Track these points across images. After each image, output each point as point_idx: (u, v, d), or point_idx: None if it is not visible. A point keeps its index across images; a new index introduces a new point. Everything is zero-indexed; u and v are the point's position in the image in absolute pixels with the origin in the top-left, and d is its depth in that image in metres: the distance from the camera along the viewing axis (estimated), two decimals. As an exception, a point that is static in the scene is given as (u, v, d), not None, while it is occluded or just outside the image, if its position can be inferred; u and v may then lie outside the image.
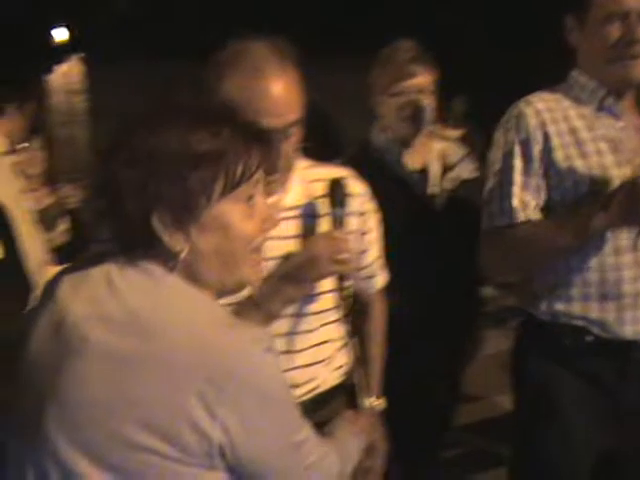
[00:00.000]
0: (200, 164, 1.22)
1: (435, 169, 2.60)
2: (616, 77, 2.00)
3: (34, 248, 3.35)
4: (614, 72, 1.99)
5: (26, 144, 4.11)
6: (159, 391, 1.15)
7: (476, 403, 4.49)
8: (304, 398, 1.86)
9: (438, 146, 2.65)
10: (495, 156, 2.06)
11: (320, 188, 1.88)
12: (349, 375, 1.98)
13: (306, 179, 1.89)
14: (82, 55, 15.20)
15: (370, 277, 2.04)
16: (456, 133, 2.75)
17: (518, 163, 2.01)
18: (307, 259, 1.79)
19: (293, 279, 1.78)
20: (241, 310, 1.74)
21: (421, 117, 2.56)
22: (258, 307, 1.77)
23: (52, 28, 14.82)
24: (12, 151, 3.85)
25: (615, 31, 1.96)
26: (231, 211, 1.27)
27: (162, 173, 1.20)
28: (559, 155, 1.99)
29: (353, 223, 1.91)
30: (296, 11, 12.44)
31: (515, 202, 2.00)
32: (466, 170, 2.67)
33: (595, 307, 2.01)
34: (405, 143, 2.60)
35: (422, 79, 2.56)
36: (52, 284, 1.33)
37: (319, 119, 1.92)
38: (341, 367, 1.96)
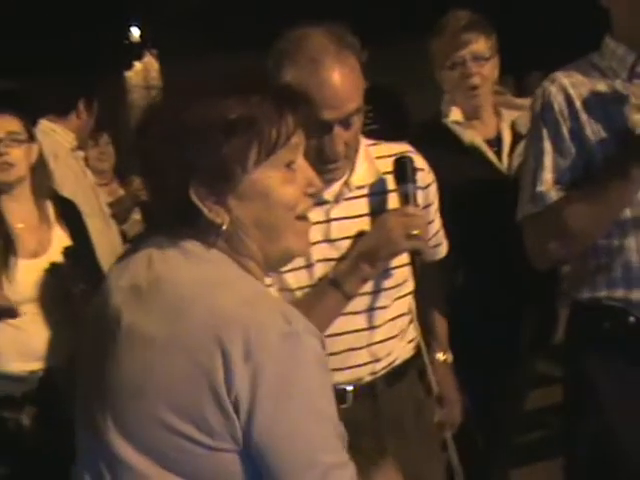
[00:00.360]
0: (232, 131, 1.21)
1: (507, 139, 2.56)
2: None
3: (105, 239, 3.44)
4: None
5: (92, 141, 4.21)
6: (183, 370, 1.14)
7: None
8: (382, 372, 1.93)
9: (509, 115, 2.60)
10: (528, 140, 2.02)
11: (385, 165, 1.92)
12: (418, 349, 2.02)
13: (370, 157, 1.93)
14: (156, 51, 15.43)
15: (436, 246, 2.09)
16: (527, 102, 2.69)
17: (547, 145, 1.93)
18: (381, 237, 1.81)
19: (368, 258, 1.81)
20: (317, 291, 1.83)
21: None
22: (334, 287, 1.81)
23: (129, 25, 15.09)
24: (81, 147, 3.96)
25: None
26: (269, 177, 1.25)
27: (195, 144, 1.20)
28: (588, 131, 1.89)
29: (419, 197, 1.92)
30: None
31: (545, 187, 1.92)
32: None
33: (636, 290, 1.93)
34: (474, 114, 2.56)
35: (476, 46, 2.51)
36: (108, 273, 1.36)
37: (388, 101, 1.93)
38: (412, 340, 2.05)
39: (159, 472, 1.18)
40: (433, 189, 2.02)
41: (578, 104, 1.90)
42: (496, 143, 2.56)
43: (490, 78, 2.56)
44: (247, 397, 1.14)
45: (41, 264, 2.87)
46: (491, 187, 2.16)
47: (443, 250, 2.14)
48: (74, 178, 3.69)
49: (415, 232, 1.78)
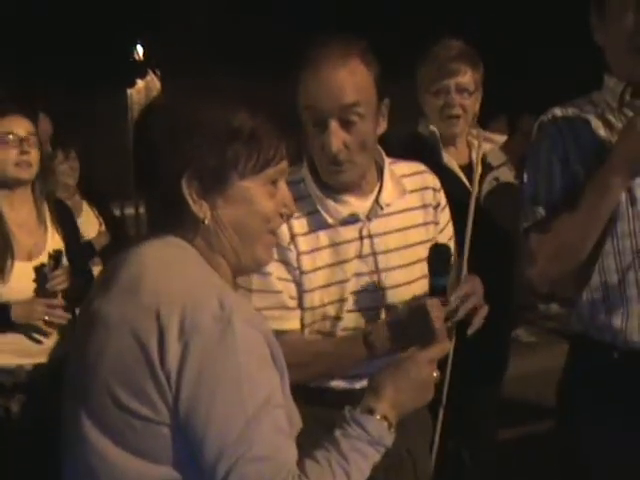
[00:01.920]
0: (236, 138, 1.32)
1: (478, 168, 2.69)
2: (636, 69, 1.94)
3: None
4: (634, 64, 1.93)
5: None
6: (128, 347, 1.24)
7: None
8: None
9: (483, 147, 2.70)
10: (526, 168, 2.12)
11: (408, 183, 2.07)
12: None
13: (395, 175, 2.07)
14: (158, 70, 15.51)
15: None
16: (501, 138, 2.82)
17: (542, 172, 2.05)
18: (418, 317, 1.88)
19: (403, 332, 1.93)
20: (350, 340, 1.99)
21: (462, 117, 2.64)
22: (366, 345, 1.96)
23: (133, 44, 15.17)
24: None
25: (631, 19, 1.89)
26: (256, 188, 1.36)
27: (200, 140, 1.30)
28: (577, 159, 2.01)
29: (429, 214, 2.09)
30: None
31: (538, 206, 2.03)
32: (505, 174, 2.74)
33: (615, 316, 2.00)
34: (450, 140, 2.69)
35: (462, 78, 2.62)
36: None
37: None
38: None
39: (117, 452, 1.26)
40: (447, 210, 2.16)
41: (569, 134, 2.02)
42: (467, 171, 2.68)
43: (470, 111, 2.68)
44: (175, 372, 1.21)
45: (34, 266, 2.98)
46: (463, 209, 2.27)
47: None
48: None
49: (450, 324, 1.89)
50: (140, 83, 16.01)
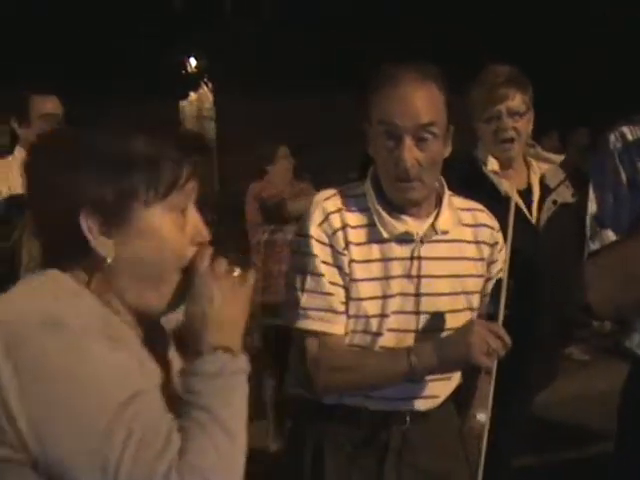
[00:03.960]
0: (134, 167, 1.23)
1: (537, 191, 2.67)
2: None
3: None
4: None
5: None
6: None
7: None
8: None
9: (539, 168, 2.74)
10: (591, 187, 2.07)
11: (464, 217, 2.11)
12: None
13: (453, 205, 2.10)
14: (211, 84, 15.70)
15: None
16: (558, 158, 2.81)
17: (608, 192, 2.00)
18: (461, 343, 1.94)
19: (443, 354, 1.97)
20: (393, 356, 2.02)
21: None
22: (408, 363, 1.97)
23: (188, 56, 15.38)
24: None
25: None
26: (162, 219, 1.25)
27: (93, 172, 1.22)
28: None
29: (483, 251, 2.11)
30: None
31: (608, 233, 1.98)
32: (564, 194, 2.72)
33: None
34: (507, 164, 2.69)
35: (512, 102, 2.63)
36: None
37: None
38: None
39: None
40: (499, 248, 2.15)
41: (635, 152, 1.97)
42: (526, 194, 2.68)
43: (524, 133, 2.68)
44: (12, 393, 1.12)
45: None
46: (523, 237, 2.24)
47: None
48: None
49: (493, 349, 1.91)
50: (192, 96, 16.21)
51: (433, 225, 2.04)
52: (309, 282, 2.00)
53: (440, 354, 1.95)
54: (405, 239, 2.02)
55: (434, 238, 2.04)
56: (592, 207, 2.03)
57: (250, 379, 1.30)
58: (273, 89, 12.72)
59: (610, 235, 1.96)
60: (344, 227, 2.01)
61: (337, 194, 2.06)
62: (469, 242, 2.10)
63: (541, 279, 2.19)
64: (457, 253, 2.07)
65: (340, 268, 2.00)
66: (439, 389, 2.13)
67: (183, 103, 16.26)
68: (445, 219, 2.05)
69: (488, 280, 2.15)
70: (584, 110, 9.65)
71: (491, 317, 1.96)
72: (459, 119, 2.08)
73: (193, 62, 15.60)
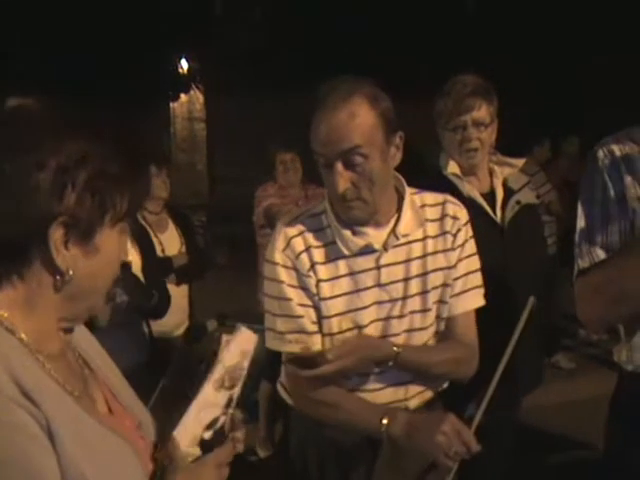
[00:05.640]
0: (111, 185, 1.23)
1: (500, 194, 2.70)
2: None
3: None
4: None
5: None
6: None
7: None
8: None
9: (501, 172, 2.76)
10: (580, 203, 2.06)
11: (430, 213, 2.11)
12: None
13: (415, 205, 2.10)
14: (202, 85, 15.69)
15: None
16: (519, 162, 2.84)
17: (596, 207, 1.99)
18: (429, 432, 1.91)
19: (411, 435, 1.95)
20: (370, 409, 2.03)
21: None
22: (384, 424, 1.98)
23: (179, 58, 15.38)
24: None
25: None
26: (116, 237, 1.27)
27: (81, 180, 1.20)
28: (632, 193, 1.95)
29: (448, 242, 2.11)
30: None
31: (594, 246, 1.98)
32: (527, 196, 2.76)
33: None
34: (470, 171, 2.72)
35: (478, 113, 2.65)
36: None
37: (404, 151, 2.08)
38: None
39: None
40: (469, 244, 2.14)
41: (623, 168, 1.96)
42: (490, 197, 2.71)
43: (487, 142, 2.70)
44: None
45: None
46: (489, 237, 2.25)
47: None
48: None
49: (456, 453, 1.88)
50: (183, 97, 16.21)
51: (393, 231, 2.05)
52: (280, 307, 2.06)
53: (409, 433, 1.95)
54: (367, 251, 2.04)
55: (397, 243, 2.05)
56: (581, 223, 2.03)
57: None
58: (265, 90, 12.75)
59: (599, 252, 1.96)
60: (307, 249, 2.03)
61: (299, 216, 2.09)
62: (436, 236, 2.10)
63: (508, 276, 2.20)
64: (421, 252, 2.08)
65: (307, 289, 2.04)
66: (430, 387, 2.17)
67: (174, 104, 16.26)
68: (406, 223, 2.06)
69: (447, 269, 2.12)
70: (575, 119, 9.70)
71: (470, 418, 1.92)
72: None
73: (185, 64, 15.60)
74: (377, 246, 2.03)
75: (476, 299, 2.17)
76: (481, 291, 2.18)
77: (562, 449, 4.63)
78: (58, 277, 1.21)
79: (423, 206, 2.11)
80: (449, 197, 2.17)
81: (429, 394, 2.18)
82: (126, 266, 2.94)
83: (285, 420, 1.72)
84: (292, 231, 2.05)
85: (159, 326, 3.86)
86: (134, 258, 3.18)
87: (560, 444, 4.69)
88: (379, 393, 2.10)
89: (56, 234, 1.18)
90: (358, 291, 2.05)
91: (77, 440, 1.18)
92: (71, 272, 1.21)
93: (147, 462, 1.34)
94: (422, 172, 2.69)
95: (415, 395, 2.14)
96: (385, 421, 1.97)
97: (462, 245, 2.12)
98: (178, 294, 4.12)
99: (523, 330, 2.01)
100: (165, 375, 3.22)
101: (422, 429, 1.92)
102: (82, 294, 1.26)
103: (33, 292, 1.22)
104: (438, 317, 2.13)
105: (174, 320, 4.06)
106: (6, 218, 1.17)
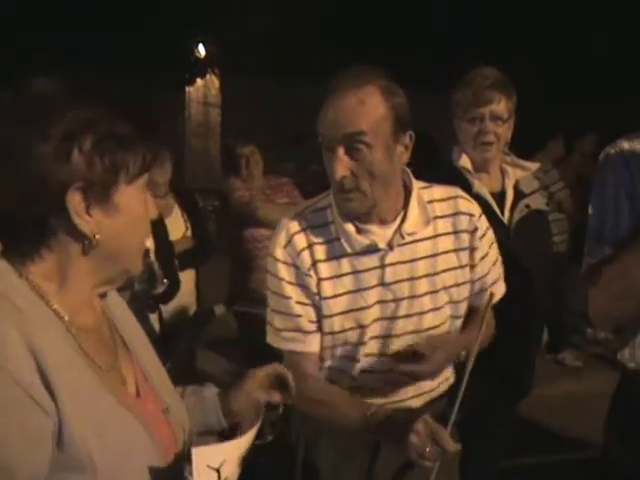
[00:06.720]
0: (121, 146, 1.23)
1: (510, 195, 2.69)
2: None
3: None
4: None
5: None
6: None
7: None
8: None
9: (514, 174, 2.74)
10: (591, 201, 2.07)
11: (439, 209, 2.07)
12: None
13: (422, 201, 2.06)
14: (218, 69, 15.66)
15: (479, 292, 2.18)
16: (534, 165, 2.81)
17: (609, 206, 2.00)
18: (403, 437, 1.83)
19: (387, 433, 1.93)
20: (355, 406, 2.02)
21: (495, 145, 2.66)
22: (364, 421, 1.96)
23: (196, 42, 15.36)
24: None
25: None
26: (138, 195, 1.28)
27: (88, 145, 1.21)
28: None
29: (463, 240, 2.08)
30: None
31: (604, 242, 1.98)
32: (537, 201, 2.76)
33: None
34: (483, 167, 2.70)
35: (497, 106, 2.63)
36: None
37: (420, 145, 2.04)
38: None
39: None
40: (489, 235, 2.13)
41: (634, 166, 1.97)
42: (499, 197, 2.69)
43: (503, 138, 2.68)
44: None
45: None
46: (496, 238, 2.23)
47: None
48: None
49: (427, 458, 1.81)
50: (199, 82, 16.19)
51: (399, 230, 2.01)
52: (279, 303, 2.05)
53: (386, 431, 1.92)
54: (371, 250, 2.01)
55: (402, 242, 2.01)
56: (591, 220, 2.03)
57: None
58: (280, 77, 12.73)
59: (609, 249, 1.96)
60: (310, 246, 2.01)
61: (303, 211, 2.07)
62: (447, 234, 2.06)
63: (510, 278, 2.20)
64: (430, 251, 2.04)
65: (307, 288, 2.02)
66: (432, 386, 2.15)
67: (189, 89, 16.25)
68: (412, 221, 2.02)
69: (473, 267, 2.11)
70: (592, 117, 9.62)
71: (446, 422, 1.85)
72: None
73: (202, 49, 15.58)
74: (382, 245, 2.00)
75: (499, 289, 2.19)
76: (502, 279, 2.20)
77: (565, 446, 4.62)
78: (86, 242, 1.22)
79: (432, 202, 2.07)
80: (460, 191, 2.13)
81: (431, 394, 2.16)
82: (145, 253, 3.01)
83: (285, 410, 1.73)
84: (295, 227, 2.03)
85: (166, 311, 3.89)
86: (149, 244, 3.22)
87: (563, 441, 4.69)
88: (380, 392, 2.09)
89: (74, 200, 1.19)
90: (361, 290, 2.02)
91: (87, 417, 1.19)
92: (97, 236, 1.22)
93: (169, 448, 1.35)
94: (437, 167, 2.68)
95: (417, 395, 2.13)
96: (368, 416, 1.95)
97: (482, 239, 2.10)
98: (186, 278, 4.14)
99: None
100: (171, 357, 3.25)
101: (397, 428, 1.87)
102: (113, 255, 1.28)
103: (64, 262, 1.24)
104: (452, 317, 2.11)
105: (181, 304, 4.08)
106: (23, 194, 1.18)
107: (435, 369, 2.01)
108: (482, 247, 2.11)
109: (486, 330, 1.99)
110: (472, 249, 2.10)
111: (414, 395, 2.12)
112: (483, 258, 2.12)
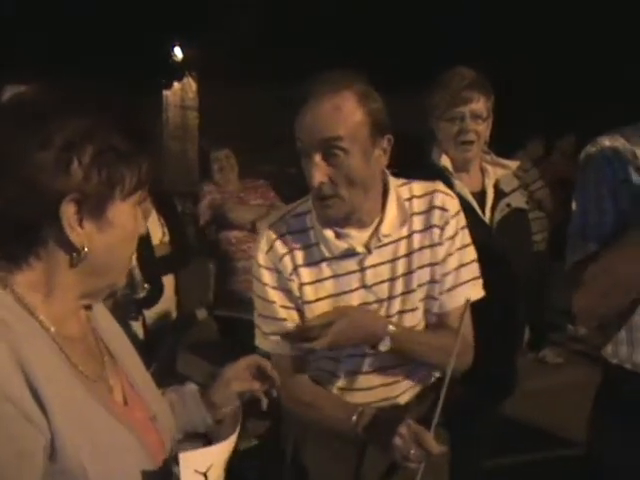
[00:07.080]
0: (119, 159, 1.23)
1: (490, 195, 2.70)
2: None
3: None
4: None
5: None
6: None
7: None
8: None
9: (494, 173, 2.75)
10: (573, 197, 2.07)
11: (417, 205, 2.05)
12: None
13: (400, 199, 2.05)
14: (195, 73, 15.61)
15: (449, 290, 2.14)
16: (513, 164, 2.83)
17: (591, 204, 2.00)
18: (387, 440, 1.87)
19: (370, 438, 1.96)
20: (342, 407, 2.03)
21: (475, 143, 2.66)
22: (351, 425, 1.98)
23: (172, 46, 15.31)
24: None
25: None
26: (130, 210, 1.27)
27: (87, 156, 1.20)
28: (628, 198, 1.96)
29: (435, 235, 2.05)
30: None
31: (587, 240, 1.98)
32: (517, 200, 2.77)
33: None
34: (463, 166, 2.70)
35: (476, 105, 2.64)
36: None
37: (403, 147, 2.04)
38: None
39: None
40: (461, 234, 2.09)
41: (616, 164, 1.97)
42: (480, 197, 2.69)
43: (483, 136, 2.70)
44: None
45: None
46: (476, 237, 2.23)
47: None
48: None
49: (411, 460, 1.82)
50: (176, 85, 16.14)
51: (376, 232, 2.00)
52: (264, 307, 2.07)
53: (371, 432, 1.94)
54: (349, 254, 2.01)
55: (380, 244, 2.01)
56: (575, 218, 2.04)
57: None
58: (257, 80, 12.71)
59: (593, 246, 1.96)
60: (291, 251, 2.01)
61: (284, 216, 2.07)
62: (421, 231, 2.04)
63: (492, 277, 2.19)
64: (406, 250, 2.04)
65: (290, 292, 2.03)
66: (419, 383, 2.16)
67: (166, 92, 16.19)
68: (389, 223, 2.01)
69: (435, 265, 2.06)
70: (571, 116, 9.68)
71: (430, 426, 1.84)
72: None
73: (178, 52, 15.53)
74: (359, 249, 2.00)
75: (472, 292, 2.08)
76: (478, 282, 2.13)
77: (547, 443, 4.65)
78: (74, 254, 1.22)
79: (411, 198, 2.06)
80: (440, 186, 2.10)
81: (419, 389, 2.17)
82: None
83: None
84: (276, 233, 2.03)
85: (149, 317, 3.86)
86: None
87: (545, 439, 4.72)
88: (369, 392, 2.09)
89: (68, 211, 1.18)
90: (342, 293, 2.03)
91: (78, 427, 1.19)
92: (86, 248, 1.21)
93: (158, 454, 1.35)
94: (419, 168, 2.68)
95: (405, 391, 2.14)
96: (354, 418, 1.96)
97: (452, 238, 2.06)
98: (166, 284, 4.11)
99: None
100: (154, 361, 3.23)
101: (383, 429, 1.89)
102: (100, 269, 1.27)
103: (51, 272, 1.23)
104: (427, 312, 2.10)
105: (163, 309, 4.05)
106: (17, 200, 1.18)
107: (332, 341, 1.94)
108: (449, 244, 2.07)
109: (461, 344, 1.93)
110: (439, 244, 2.06)
111: (402, 392, 2.13)
112: (450, 255, 2.08)
